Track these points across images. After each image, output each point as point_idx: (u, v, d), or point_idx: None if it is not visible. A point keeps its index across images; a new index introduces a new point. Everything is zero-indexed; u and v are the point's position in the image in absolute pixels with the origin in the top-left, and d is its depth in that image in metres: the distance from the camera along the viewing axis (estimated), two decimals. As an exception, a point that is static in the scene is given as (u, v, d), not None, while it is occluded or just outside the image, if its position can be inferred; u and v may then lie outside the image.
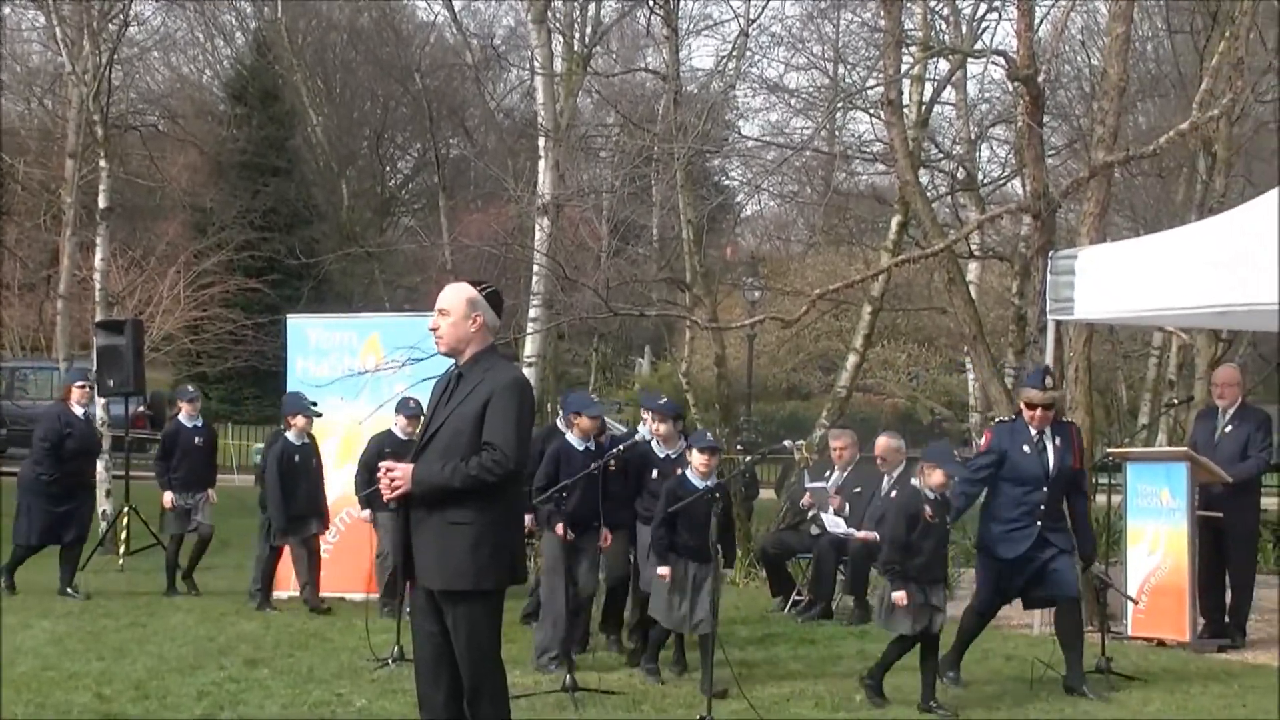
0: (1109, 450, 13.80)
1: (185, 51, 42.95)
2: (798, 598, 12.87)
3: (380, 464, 6.33)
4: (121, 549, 15.92)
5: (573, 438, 10.03)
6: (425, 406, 6.67)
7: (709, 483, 9.16)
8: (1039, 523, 9.27)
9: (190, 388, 14.90)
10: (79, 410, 13.54)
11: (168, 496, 13.85)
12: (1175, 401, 17.85)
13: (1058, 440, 9.36)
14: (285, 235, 36.85)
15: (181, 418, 14.16)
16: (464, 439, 6.13)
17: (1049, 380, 9.45)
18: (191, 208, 35.54)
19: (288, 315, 15.90)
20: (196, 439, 14.11)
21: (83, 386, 13.73)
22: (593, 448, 10.01)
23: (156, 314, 28.42)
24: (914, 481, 8.82)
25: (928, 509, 8.64)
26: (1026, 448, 9.34)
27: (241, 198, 36.25)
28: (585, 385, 34.34)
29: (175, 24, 37.60)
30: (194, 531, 13.95)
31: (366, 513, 12.64)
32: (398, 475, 6.15)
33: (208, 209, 35.52)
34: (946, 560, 9.07)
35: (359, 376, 13.45)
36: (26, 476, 13.50)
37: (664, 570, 9.15)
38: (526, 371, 16.81)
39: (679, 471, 9.50)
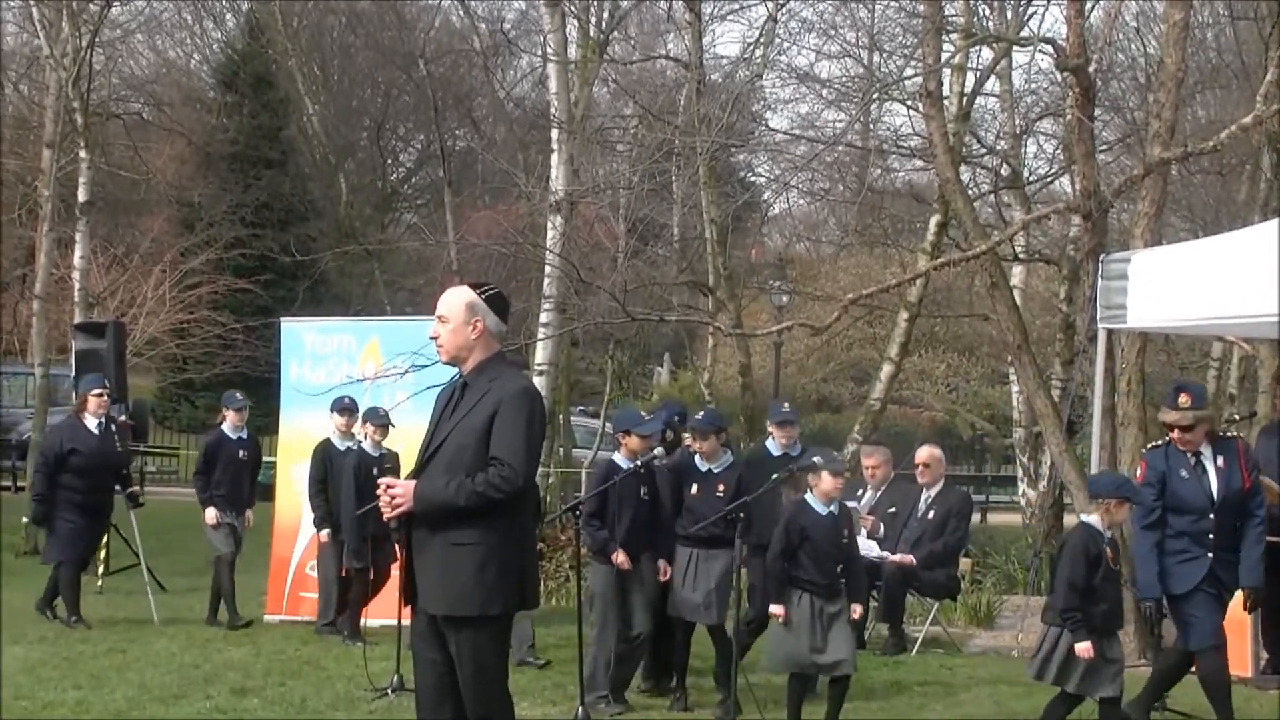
0: (1164, 470, 13.76)
1: (172, 34, 43.16)
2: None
3: (380, 480, 6.35)
4: (100, 569, 15.93)
5: (620, 457, 9.98)
6: (429, 417, 6.67)
7: (833, 508, 8.94)
8: (1209, 554, 9.00)
9: (238, 395, 14.32)
10: (93, 422, 13.18)
11: (210, 513, 13.56)
12: (1237, 417, 17.75)
13: (1220, 460, 9.09)
14: (279, 232, 36.92)
15: (225, 427, 13.90)
16: (469, 453, 6.14)
17: (1183, 398, 9.15)
18: (178, 202, 35.67)
19: (281, 318, 15.91)
20: (241, 452, 13.83)
21: (100, 395, 13.29)
22: (642, 469, 9.95)
23: (140, 316, 28.54)
24: (1087, 519, 8.48)
25: (1109, 550, 8.36)
26: (1184, 472, 9.09)
27: (232, 191, 36.37)
28: (600, 395, 34.35)
29: (161, 5, 37.69)
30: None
31: (325, 532, 12.70)
32: (398, 492, 6.16)
33: (195, 204, 35.66)
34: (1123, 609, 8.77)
35: (357, 384, 13.47)
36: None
37: (778, 609, 8.86)
38: (537, 380, 16.83)
39: (799, 496, 9.19)
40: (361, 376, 13.59)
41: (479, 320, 6.33)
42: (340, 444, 12.77)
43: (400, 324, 15.23)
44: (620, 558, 9.65)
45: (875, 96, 21.19)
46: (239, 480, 13.78)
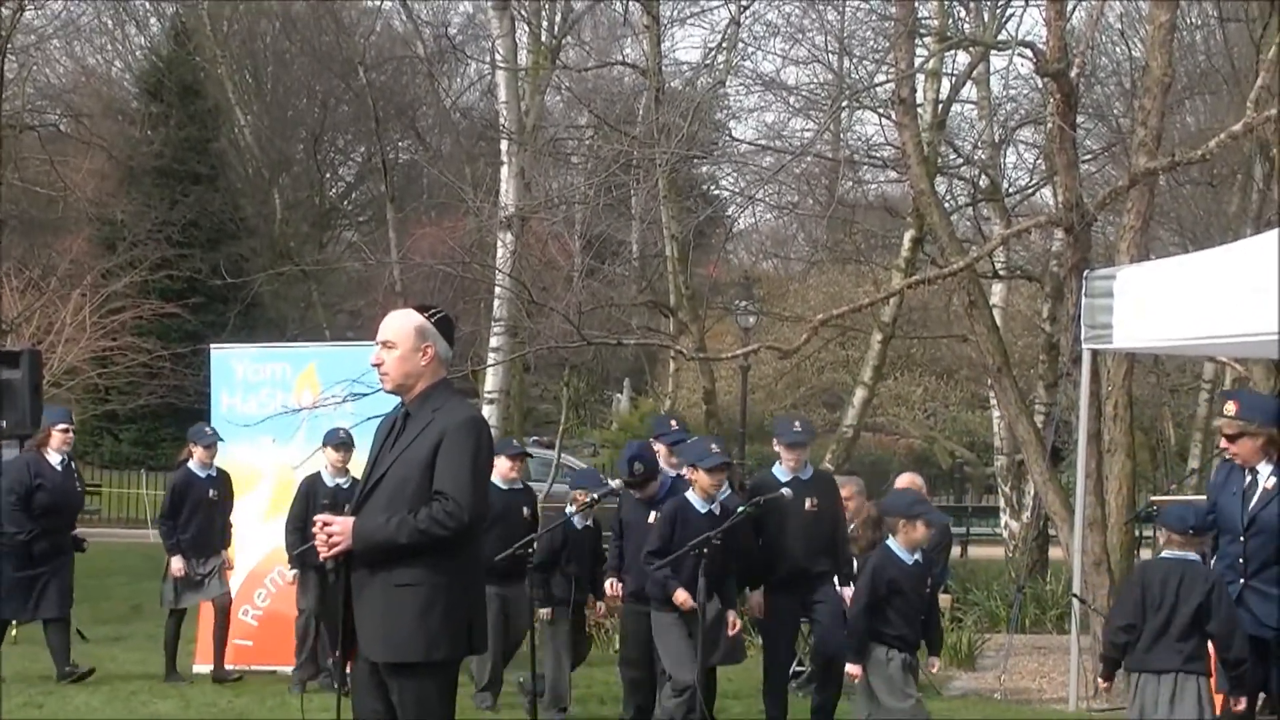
0: (1154, 499, 13.86)
1: (91, 40, 43.00)
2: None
3: (315, 517, 6.32)
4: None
5: (694, 497, 9.70)
6: (370, 447, 6.66)
7: (918, 556, 8.78)
8: (1241, 579, 8.88)
9: (208, 429, 13.53)
10: (55, 459, 12.83)
11: (176, 563, 12.97)
12: (1230, 443, 17.90)
13: (1272, 480, 8.94)
14: (208, 252, 36.78)
15: (192, 465, 13.24)
16: (411, 488, 6.12)
17: (1229, 405, 9.10)
18: (99, 220, 35.52)
19: (211, 345, 15.88)
20: (210, 491, 13.24)
21: (65, 430, 12.95)
22: (717, 511, 9.66)
23: (58, 343, 28.32)
24: (889, 540, 8.60)
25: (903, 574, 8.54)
26: (1234, 489, 9.02)
27: (157, 209, 36.19)
28: (555, 424, 34.32)
29: (79, 8, 37.63)
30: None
31: (294, 573, 12.58)
32: (336, 530, 6.14)
33: (118, 222, 35.48)
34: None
35: (293, 415, 13.42)
36: None
37: (855, 670, 8.76)
38: (487, 409, 16.83)
39: (882, 543, 9.05)
40: (298, 406, 13.56)
41: (429, 346, 6.32)
42: (330, 480, 12.38)
43: (339, 350, 15.21)
44: (682, 596, 9.36)
45: (845, 104, 21.24)
46: (209, 523, 13.23)
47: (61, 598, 12.86)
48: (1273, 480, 8.88)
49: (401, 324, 6.37)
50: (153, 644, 14.54)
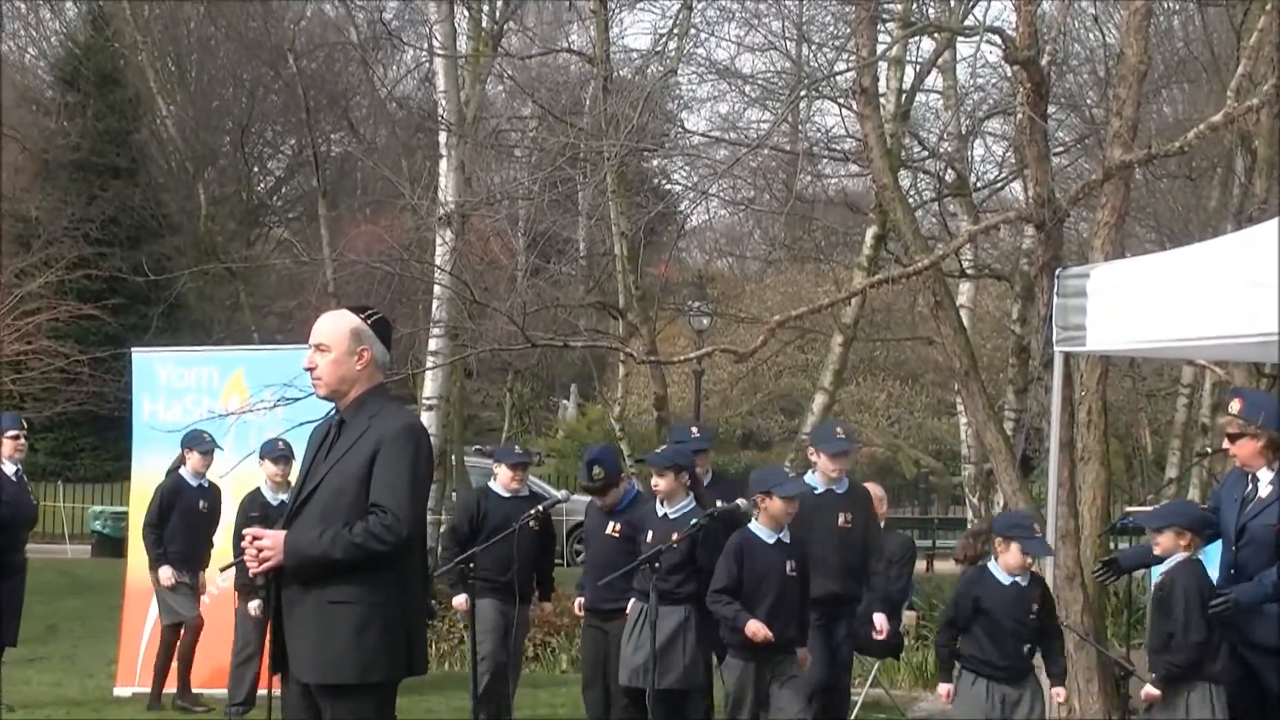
0: (1129, 509, 13.93)
1: (3, 25, 42.71)
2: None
3: (245, 530, 6.28)
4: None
5: (759, 527, 9.45)
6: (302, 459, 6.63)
7: (1020, 579, 8.78)
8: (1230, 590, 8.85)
9: (206, 435, 13.24)
10: (10, 469, 12.56)
11: (164, 573, 12.88)
12: (1209, 450, 18.02)
13: (1271, 488, 8.88)
14: (129, 250, 36.62)
15: (185, 473, 13.15)
16: (346, 500, 6.10)
17: (1234, 403, 9.10)
18: (12, 217, 35.25)
19: (132, 348, 15.81)
20: (201, 503, 13.11)
21: (16, 437, 12.66)
22: (787, 539, 9.47)
23: (-32, 348, 28.15)
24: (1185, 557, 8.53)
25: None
26: (1235, 495, 9.02)
27: (74, 204, 36.03)
28: (498, 432, 34.29)
29: (-10, -8, 37.40)
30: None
31: (256, 604, 11.90)
32: (266, 544, 6.10)
33: (32, 218, 35.26)
34: None
35: (220, 421, 13.36)
36: None
37: (945, 689, 8.86)
38: (426, 417, 16.79)
39: (982, 564, 9.04)
40: (225, 412, 13.50)
41: (366, 349, 6.31)
42: (274, 497, 12.15)
43: (269, 353, 15.23)
44: (754, 627, 9.10)
45: (804, 94, 21.24)
46: (196, 536, 13.08)
47: (12, 622, 12.56)
48: (1270, 489, 8.85)
49: (335, 326, 6.34)
50: (68, 665, 14.49)
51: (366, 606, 6.06)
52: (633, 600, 9.87)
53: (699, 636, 9.71)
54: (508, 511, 11.00)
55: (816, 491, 10.30)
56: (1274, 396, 10.97)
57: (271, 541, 6.10)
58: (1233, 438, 8.97)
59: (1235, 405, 9.07)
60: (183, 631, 13.00)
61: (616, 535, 10.39)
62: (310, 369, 6.33)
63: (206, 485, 13.17)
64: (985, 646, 8.66)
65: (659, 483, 10.04)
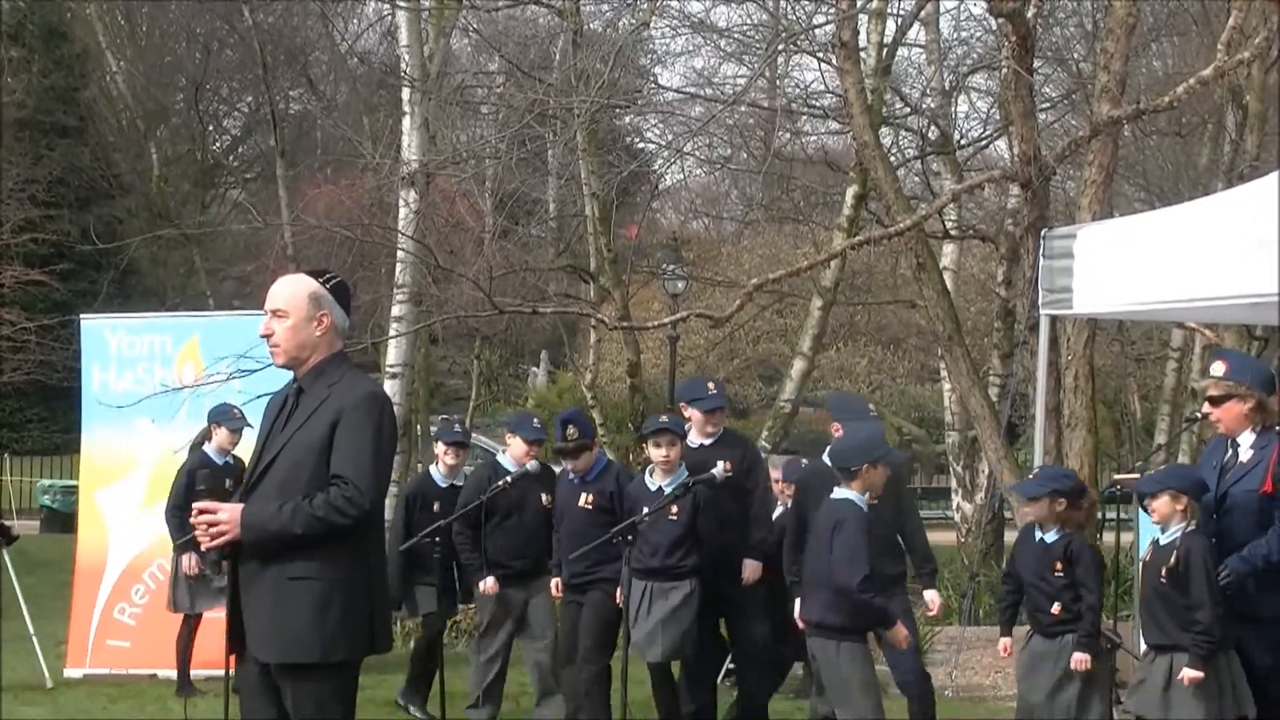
0: (1117, 477, 13.97)
1: (-55, -21, 42.44)
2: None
3: (194, 504, 6.25)
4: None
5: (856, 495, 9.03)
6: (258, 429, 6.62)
7: (1047, 536, 9.06)
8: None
9: (236, 410, 12.68)
10: None
11: (187, 560, 12.37)
12: (1199, 415, 18.03)
13: (1252, 453, 8.73)
14: (78, 213, 36.45)
15: (210, 449, 12.61)
16: (306, 471, 6.09)
17: (1217, 364, 9.00)
18: (-46, 179, 35.08)
19: (81, 315, 15.74)
20: (227, 481, 12.30)
21: None
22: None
23: (-90, 316, 28.05)
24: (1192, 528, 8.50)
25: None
26: (1214, 462, 8.94)
27: (20, 165, 35.80)
28: (466, 400, 34.29)
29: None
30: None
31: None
32: (222, 518, 6.09)
33: (-25, 180, 35.07)
34: None
35: (174, 393, 13.33)
36: None
37: (1006, 641, 9.23)
38: (389, 385, 16.78)
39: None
40: (179, 384, 13.47)
41: (325, 315, 6.29)
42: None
43: (225, 320, 15.15)
44: (904, 634, 9.06)
45: (782, 48, 21.25)
46: None
47: None
48: (1251, 453, 8.74)
49: (293, 291, 6.33)
50: (23, 646, 14.41)
51: (327, 583, 6.06)
52: (634, 581, 9.83)
53: (701, 611, 10.08)
54: (523, 488, 10.87)
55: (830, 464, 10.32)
56: (1256, 359, 10.98)
57: (227, 515, 6.08)
58: (1216, 401, 8.87)
59: (1220, 367, 8.96)
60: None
61: (590, 507, 10.39)
62: (267, 336, 6.31)
63: (232, 462, 12.67)
64: (1029, 601, 9.11)
65: (667, 453, 10.02)
